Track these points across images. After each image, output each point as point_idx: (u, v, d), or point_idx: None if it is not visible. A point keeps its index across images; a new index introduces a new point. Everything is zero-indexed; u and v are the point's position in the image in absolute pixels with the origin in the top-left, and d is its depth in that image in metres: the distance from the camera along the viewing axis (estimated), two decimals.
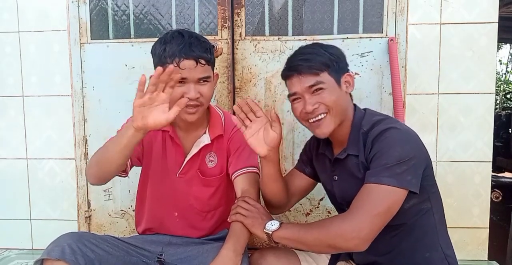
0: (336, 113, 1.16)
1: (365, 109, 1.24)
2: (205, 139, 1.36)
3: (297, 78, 1.15)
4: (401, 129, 1.09)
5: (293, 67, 1.17)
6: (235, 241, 1.14)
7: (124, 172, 1.33)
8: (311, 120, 1.17)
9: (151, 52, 1.28)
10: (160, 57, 1.22)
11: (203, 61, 1.22)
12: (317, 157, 1.33)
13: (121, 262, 1.28)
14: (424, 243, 1.16)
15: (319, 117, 1.16)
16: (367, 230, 1.00)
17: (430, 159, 1.15)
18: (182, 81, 1.22)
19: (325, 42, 1.22)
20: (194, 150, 1.36)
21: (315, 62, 1.14)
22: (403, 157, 1.04)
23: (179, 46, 1.19)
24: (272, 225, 1.12)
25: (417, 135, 1.13)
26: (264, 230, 1.13)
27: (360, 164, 1.14)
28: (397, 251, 1.17)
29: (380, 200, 1.02)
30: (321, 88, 1.14)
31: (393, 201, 1.03)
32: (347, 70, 1.20)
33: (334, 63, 1.15)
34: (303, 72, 1.15)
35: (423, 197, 1.11)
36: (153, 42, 1.28)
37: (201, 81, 1.24)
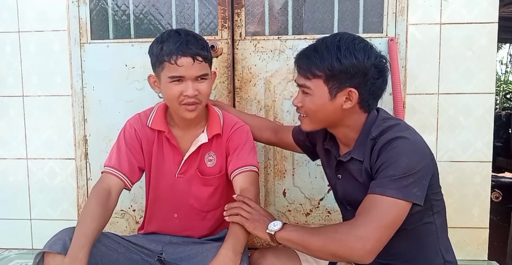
0: (314, 120, 1.17)
1: (378, 111, 1.19)
2: (203, 138, 1.36)
3: (297, 71, 1.16)
4: (409, 138, 1.07)
5: (297, 59, 1.16)
6: (234, 241, 1.14)
7: (130, 185, 1.34)
8: (297, 113, 1.21)
9: (149, 52, 1.28)
10: (157, 56, 1.22)
11: (200, 58, 1.22)
12: (324, 151, 1.32)
13: (122, 258, 1.29)
14: (424, 249, 1.15)
15: (301, 115, 1.19)
16: (374, 241, 0.99)
17: (436, 167, 1.14)
18: (180, 79, 1.22)
19: None
20: (192, 149, 1.36)
21: (313, 66, 1.10)
22: (410, 169, 1.02)
23: (176, 44, 1.20)
24: (275, 226, 1.11)
25: (425, 143, 1.11)
26: (267, 231, 1.11)
27: (363, 170, 1.13)
28: (396, 255, 1.16)
29: (386, 212, 1.01)
30: (306, 92, 1.14)
31: (399, 213, 1.02)
32: (355, 86, 1.09)
33: (337, 73, 1.08)
34: (300, 69, 1.14)
35: (426, 205, 1.10)
36: None
37: (199, 78, 1.24)
